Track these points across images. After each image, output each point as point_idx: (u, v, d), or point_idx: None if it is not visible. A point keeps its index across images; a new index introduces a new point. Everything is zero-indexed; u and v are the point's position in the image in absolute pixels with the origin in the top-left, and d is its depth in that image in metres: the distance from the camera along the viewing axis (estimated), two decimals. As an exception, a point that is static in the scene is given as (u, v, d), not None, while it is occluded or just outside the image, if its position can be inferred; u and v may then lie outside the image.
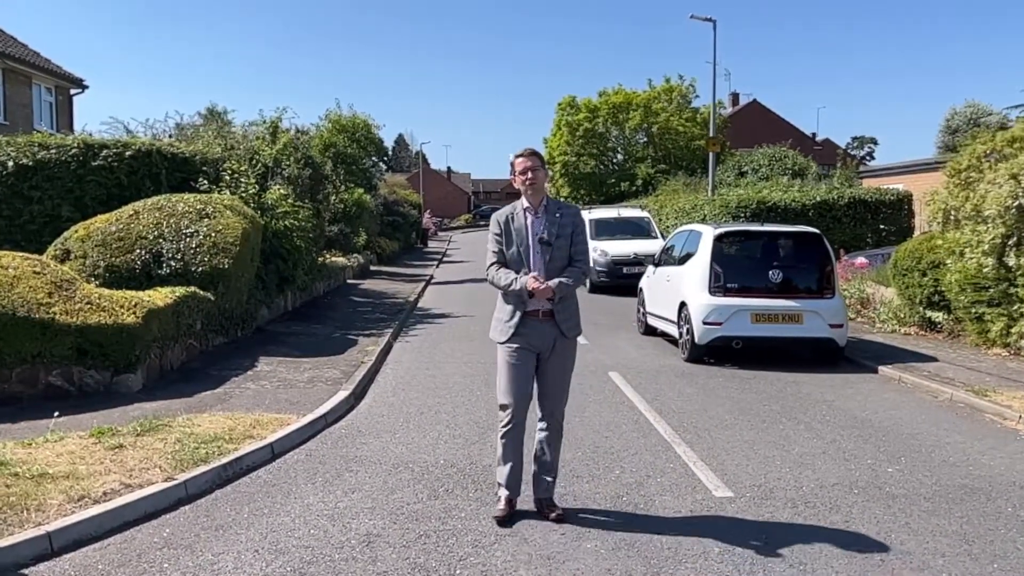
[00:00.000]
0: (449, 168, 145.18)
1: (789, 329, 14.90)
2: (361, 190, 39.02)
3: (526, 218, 7.45)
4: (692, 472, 8.83)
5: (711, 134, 37.56)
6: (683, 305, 15.77)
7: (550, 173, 65.68)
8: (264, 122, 24.79)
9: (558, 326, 7.37)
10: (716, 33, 36.35)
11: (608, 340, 18.21)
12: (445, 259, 51.21)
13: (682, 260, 16.65)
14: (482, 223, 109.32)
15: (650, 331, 18.73)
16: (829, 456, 9.53)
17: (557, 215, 7.45)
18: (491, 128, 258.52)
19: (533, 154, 7.50)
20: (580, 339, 17.14)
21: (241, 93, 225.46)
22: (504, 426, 7.49)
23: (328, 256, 32.16)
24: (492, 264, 7.51)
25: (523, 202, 7.50)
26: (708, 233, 15.83)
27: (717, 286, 15.15)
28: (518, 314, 7.35)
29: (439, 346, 17.60)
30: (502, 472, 7.55)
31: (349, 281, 32.63)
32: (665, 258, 18.15)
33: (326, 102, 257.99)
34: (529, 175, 7.38)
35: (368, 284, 32.39)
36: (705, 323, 15.01)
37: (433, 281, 34.55)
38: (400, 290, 29.84)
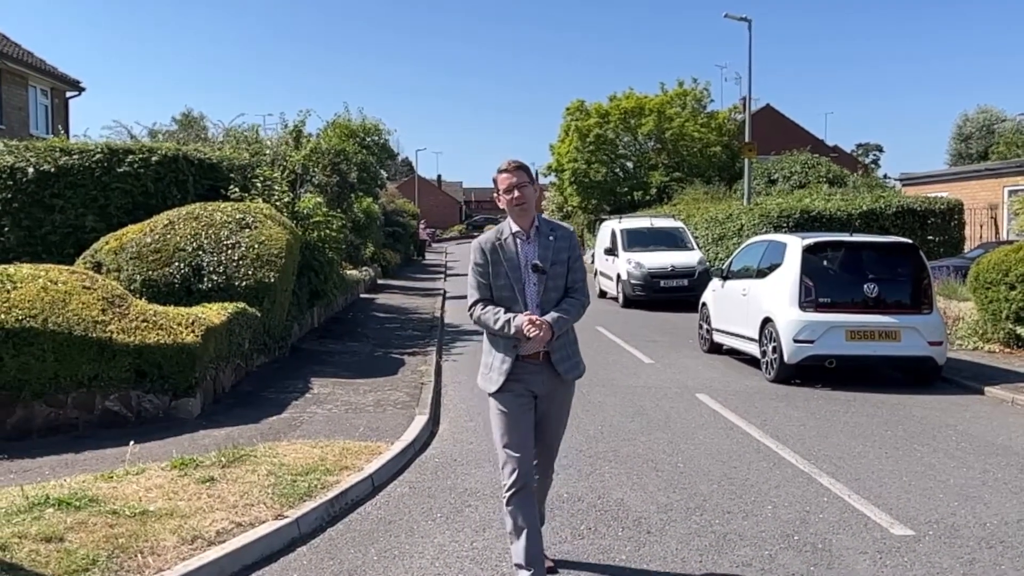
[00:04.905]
0: (439, 176, 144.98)
1: (886, 347, 14.49)
2: (370, 199, 38.61)
3: (517, 245, 6.50)
4: (853, 507, 8.38)
5: (747, 139, 37.35)
6: (767, 321, 15.34)
7: (558, 180, 65.44)
8: (286, 127, 24.34)
9: (555, 368, 6.46)
10: (752, 32, 36.09)
11: (674, 359, 17.77)
12: (449, 272, 50.70)
13: (762, 273, 16.22)
14: (476, 234, 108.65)
15: (714, 348, 18.32)
16: (991, 488, 9.10)
17: (550, 238, 6.52)
18: (484, 134, 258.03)
19: (519, 168, 6.51)
20: (644, 357, 17.15)
21: (228, 99, 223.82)
22: (509, 490, 6.32)
23: (344, 268, 31.77)
24: (476, 302, 6.55)
25: (511, 225, 6.54)
26: (795, 243, 15.41)
27: (808, 301, 14.73)
28: (510, 359, 6.42)
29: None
30: (518, 547, 6.33)
31: (363, 295, 32.14)
32: (737, 270, 17.71)
33: (311, 106, 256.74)
34: (516, 194, 6.41)
35: (384, 298, 31.89)
36: (796, 341, 14.59)
37: (448, 296, 34.05)
38: (420, 305, 29.36)
